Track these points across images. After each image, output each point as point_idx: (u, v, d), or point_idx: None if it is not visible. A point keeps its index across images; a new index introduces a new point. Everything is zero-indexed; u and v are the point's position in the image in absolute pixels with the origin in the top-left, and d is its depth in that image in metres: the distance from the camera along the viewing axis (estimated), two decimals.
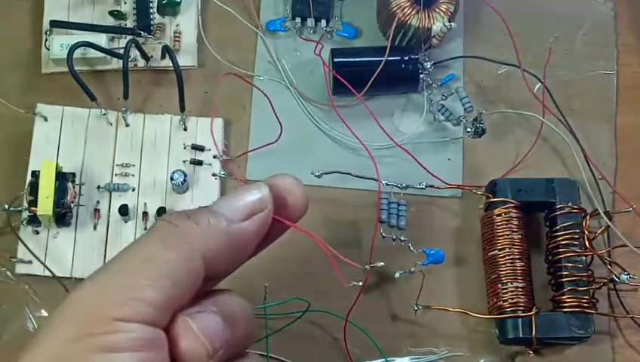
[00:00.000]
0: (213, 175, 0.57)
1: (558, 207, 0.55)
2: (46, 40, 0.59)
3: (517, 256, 0.54)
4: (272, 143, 0.57)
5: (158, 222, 0.32)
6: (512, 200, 0.55)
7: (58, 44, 0.57)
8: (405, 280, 0.54)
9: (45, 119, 0.57)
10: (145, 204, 0.56)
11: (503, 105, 0.61)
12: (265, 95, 0.58)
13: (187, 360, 0.30)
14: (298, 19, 0.62)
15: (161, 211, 0.55)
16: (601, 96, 0.63)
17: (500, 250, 0.54)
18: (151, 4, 0.60)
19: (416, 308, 0.54)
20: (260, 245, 0.35)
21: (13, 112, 0.57)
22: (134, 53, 0.59)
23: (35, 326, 0.53)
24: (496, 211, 0.55)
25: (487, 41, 0.63)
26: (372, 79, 0.58)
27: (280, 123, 0.57)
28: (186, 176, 0.55)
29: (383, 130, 0.58)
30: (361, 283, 0.42)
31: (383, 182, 0.55)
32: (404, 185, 0.56)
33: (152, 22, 0.60)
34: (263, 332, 0.53)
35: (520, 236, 0.55)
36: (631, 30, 0.65)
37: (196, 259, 0.31)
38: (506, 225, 0.55)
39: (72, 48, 0.55)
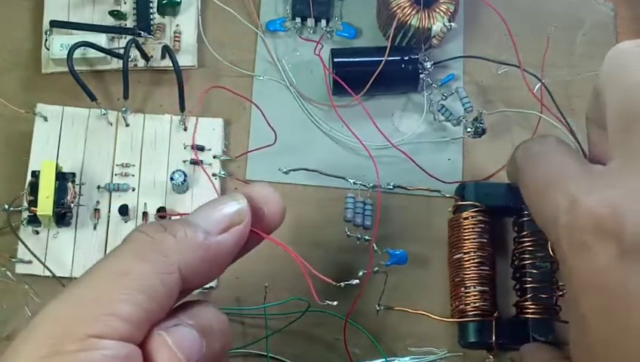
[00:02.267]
0: (214, 175, 0.57)
1: (525, 212, 0.55)
2: (46, 40, 0.59)
3: (482, 260, 0.54)
4: (270, 145, 0.57)
5: (133, 233, 0.32)
6: (479, 204, 0.55)
7: (58, 44, 0.57)
8: (378, 279, 0.54)
9: (45, 119, 0.57)
10: (145, 204, 0.56)
11: (503, 105, 0.62)
12: (258, 103, 0.58)
13: None
14: (298, 19, 0.62)
15: (161, 211, 0.55)
16: None
17: (465, 253, 0.54)
18: (151, 4, 0.60)
19: (378, 309, 0.54)
20: (236, 256, 0.35)
21: (13, 112, 0.57)
22: (134, 53, 0.59)
23: None
24: (464, 214, 0.55)
25: (487, 41, 0.63)
26: (372, 79, 0.58)
27: (273, 129, 0.57)
28: (185, 176, 0.55)
29: (380, 132, 0.58)
30: (335, 303, 0.42)
31: (350, 180, 0.55)
32: (370, 185, 0.56)
33: (152, 22, 0.60)
34: (263, 332, 0.53)
35: (486, 240, 0.55)
36: (631, 30, 0.65)
37: (172, 272, 0.30)
38: (473, 228, 0.54)
39: (72, 48, 0.55)
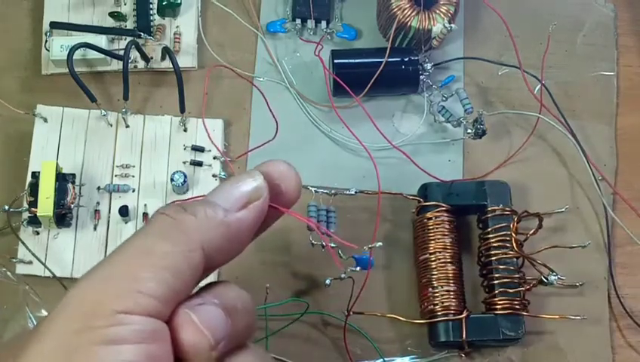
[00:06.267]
0: (214, 176, 0.57)
1: (489, 209, 0.55)
2: (46, 41, 0.59)
3: (448, 260, 0.54)
4: (270, 141, 0.57)
5: (156, 215, 0.32)
6: (443, 204, 0.55)
7: (58, 45, 0.57)
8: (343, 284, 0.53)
9: (45, 120, 0.57)
10: (145, 205, 0.56)
11: (504, 106, 0.62)
12: (258, 105, 0.58)
13: (189, 352, 0.30)
14: (298, 21, 0.62)
15: None
16: (602, 98, 0.63)
17: (431, 253, 0.54)
18: (151, 6, 0.60)
19: (346, 314, 0.53)
20: (256, 232, 0.35)
21: (13, 113, 0.57)
22: (134, 54, 0.59)
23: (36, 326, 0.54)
24: (428, 215, 0.55)
25: (488, 42, 0.63)
26: (372, 80, 0.58)
27: (275, 120, 0.57)
28: (186, 177, 0.55)
29: (380, 133, 0.58)
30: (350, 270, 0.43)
31: (312, 188, 0.54)
32: (332, 191, 0.56)
33: (152, 23, 0.60)
34: (263, 333, 0.53)
35: (451, 239, 0.55)
36: (631, 31, 0.65)
37: (195, 250, 0.31)
38: (437, 228, 0.55)
39: (72, 49, 0.55)
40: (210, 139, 0.58)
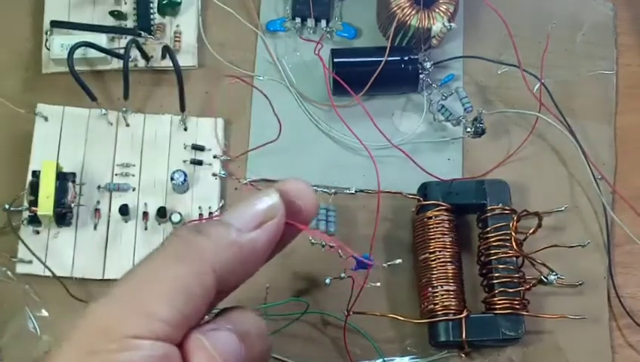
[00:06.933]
0: (214, 175, 0.57)
1: (488, 208, 0.55)
2: (46, 40, 0.59)
3: (448, 259, 0.54)
4: (272, 142, 0.57)
5: (169, 237, 0.32)
6: (442, 203, 0.55)
7: (58, 44, 0.57)
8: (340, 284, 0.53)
9: (46, 119, 0.57)
10: (145, 203, 0.56)
11: (503, 105, 0.62)
12: (263, 94, 0.58)
13: None
14: (298, 20, 0.62)
15: (161, 211, 0.55)
16: (601, 96, 0.63)
17: (430, 253, 0.54)
18: (151, 5, 0.60)
19: (346, 314, 0.53)
20: (272, 252, 0.34)
21: (13, 112, 0.57)
22: (135, 53, 0.59)
23: (36, 326, 0.54)
24: (428, 214, 0.55)
25: (487, 41, 0.63)
26: (372, 79, 0.58)
27: (279, 120, 0.57)
28: (186, 176, 0.55)
29: (380, 132, 0.58)
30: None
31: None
32: (332, 190, 0.56)
33: (152, 22, 0.60)
34: None
35: (451, 239, 0.55)
36: (630, 30, 0.65)
37: (208, 272, 0.31)
38: (437, 228, 0.55)
39: (73, 48, 0.55)
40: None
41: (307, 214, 0.35)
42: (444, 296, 0.53)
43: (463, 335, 0.53)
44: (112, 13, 0.60)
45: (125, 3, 0.61)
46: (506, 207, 0.55)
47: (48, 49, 0.58)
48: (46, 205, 0.53)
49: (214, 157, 0.58)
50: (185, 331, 0.30)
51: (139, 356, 0.28)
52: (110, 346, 0.28)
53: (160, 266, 0.31)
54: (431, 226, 0.55)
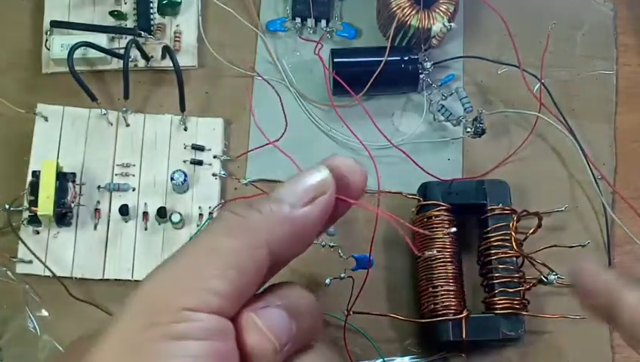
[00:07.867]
0: (214, 175, 0.57)
1: (488, 208, 0.55)
2: (46, 40, 0.59)
3: (448, 259, 0.54)
4: (276, 141, 0.57)
5: (222, 212, 0.32)
6: (442, 203, 0.55)
7: (58, 44, 0.57)
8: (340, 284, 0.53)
9: (46, 119, 0.57)
10: (145, 203, 0.56)
11: (503, 105, 0.62)
12: (276, 92, 0.59)
13: (254, 356, 0.30)
14: (298, 20, 0.62)
15: (161, 211, 0.55)
16: (601, 96, 0.63)
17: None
18: (151, 5, 0.60)
19: (345, 314, 0.53)
20: (324, 226, 0.35)
21: (13, 112, 0.57)
22: (135, 53, 0.59)
23: (36, 325, 0.54)
24: (428, 214, 0.55)
25: (487, 41, 0.63)
26: (372, 79, 0.58)
27: (286, 120, 0.57)
28: (186, 176, 0.55)
29: (380, 131, 0.58)
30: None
31: None
32: None
33: (152, 22, 0.60)
34: None
35: (451, 239, 0.55)
36: (630, 30, 0.65)
37: (261, 247, 0.31)
38: (437, 228, 0.55)
39: (73, 48, 0.55)
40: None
41: (357, 189, 0.35)
42: (445, 296, 0.53)
43: (463, 335, 0.53)
44: (112, 13, 0.60)
45: (125, 3, 0.61)
46: (506, 207, 0.55)
47: (48, 49, 0.58)
48: (46, 205, 0.53)
49: (214, 157, 0.58)
50: (238, 306, 0.30)
51: (196, 327, 0.28)
52: (167, 318, 0.28)
53: (213, 241, 0.31)
54: (431, 226, 0.55)
